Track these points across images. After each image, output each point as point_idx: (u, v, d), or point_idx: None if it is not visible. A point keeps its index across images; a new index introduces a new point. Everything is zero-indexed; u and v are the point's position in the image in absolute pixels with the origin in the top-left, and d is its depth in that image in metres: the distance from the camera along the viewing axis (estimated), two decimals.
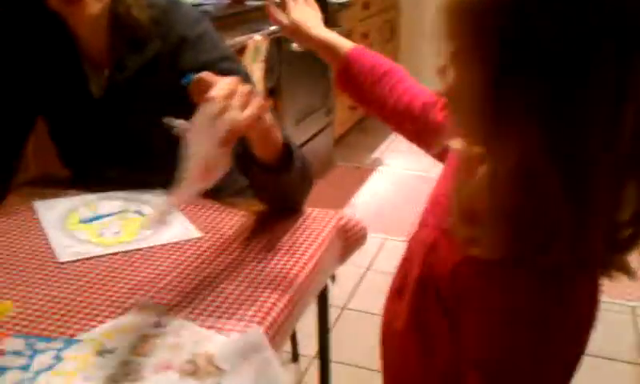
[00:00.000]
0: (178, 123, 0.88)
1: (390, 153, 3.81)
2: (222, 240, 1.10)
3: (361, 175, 3.50)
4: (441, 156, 0.91)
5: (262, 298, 0.93)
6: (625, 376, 2.01)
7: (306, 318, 1.07)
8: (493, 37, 0.58)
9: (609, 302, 2.30)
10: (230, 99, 0.86)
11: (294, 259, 1.04)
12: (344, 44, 1.07)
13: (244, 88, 0.89)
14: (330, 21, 3.15)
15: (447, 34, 0.62)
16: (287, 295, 0.95)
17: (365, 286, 2.45)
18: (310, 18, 1.10)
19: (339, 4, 3.20)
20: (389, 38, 4.49)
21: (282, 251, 1.07)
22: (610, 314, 2.27)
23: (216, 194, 1.23)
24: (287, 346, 1.98)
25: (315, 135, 3.24)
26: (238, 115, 0.86)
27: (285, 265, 1.02)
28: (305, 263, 1.04)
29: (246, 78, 1.28)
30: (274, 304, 0.93)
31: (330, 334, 1.41)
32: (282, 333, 0.93)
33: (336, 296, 2.38)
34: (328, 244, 1.12)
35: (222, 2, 2.38)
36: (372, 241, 2.65)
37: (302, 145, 3.06)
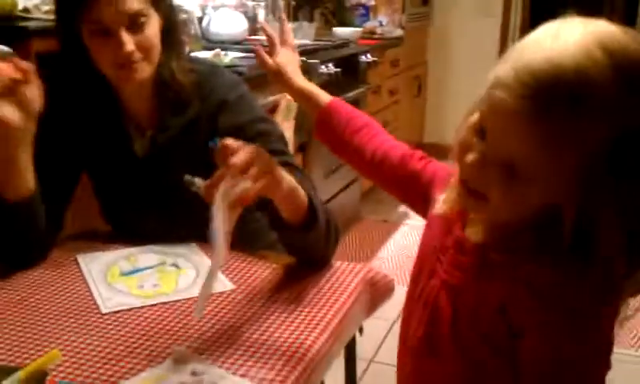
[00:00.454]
0: (197, 181, 0.95)
1: None
2: (254, 292, 1.15)
3: (388, 229, 3.54)
4: (416, 205, 1.04)
5: (292, 348, 0.98)
6: None
7: (334, 370, 1.10)
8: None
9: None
10: (247, 168, 0.91)
11: (323, 312, 1.09)
12: (323, 95, 1.17)
13: (263, 158, 0.95)
14: (359, 78, 3.25)
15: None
16: (316, 346, 0.99)
17: (392, 339, 2.46)
18: (290, 64, 1.22)
19: (368, 63, 3.29)
20: (416, 95, 4.58)
21: (312, 303, 1.11)
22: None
23: (249, 246, 1.29)
24: None
25: (342, 189, 3.30)
26: (249, 186, 0.91)
27: (314, 317, 1.07)
28: (333, 315, 1.08)
29: (281, 138, 1.35)
30: (304, 354, 0.97)
31: None
32: (310, 383, 0.97)
33: (363, 349, 2.39)
34: (356, 296, 1.17)
35: (255, 61, 2.47)
36: (399, 292, 2.68)
37: (330, 199, 3.12)
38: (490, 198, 0.74)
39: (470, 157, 0.75)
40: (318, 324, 1.05)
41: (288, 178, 1.04)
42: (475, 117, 0.76)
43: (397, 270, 3.01)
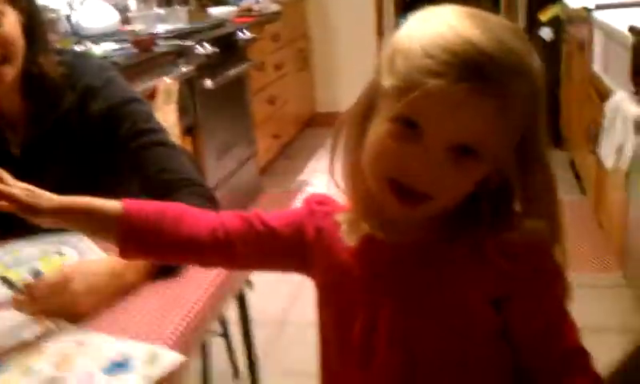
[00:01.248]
0: (17, 283, 1.04)
1: (315, 174, 3.96)
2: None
3: (289, 197, 3.62)
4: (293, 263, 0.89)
5: (169, 305, 1.04)
6: None
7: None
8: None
9: None
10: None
11: (201, 271, 1.14)
12: (106, 204, 0.85)
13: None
14: (239, 56, 3.29)
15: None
16: (193, 303, 1.06)
17: (302, 299, 2.55)
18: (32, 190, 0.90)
19: (246, 40, 3.33)
20: (302, 67, 4.66)
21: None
22: None
23: None
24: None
25: (239, 167, 3.34)
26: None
27: (192, 276, 1.13)
28: (215, 275, 1.14)
29: (151, 117, 1.38)
30: (180, 321, 1.02)
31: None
32: (195, 338, 1.03)
33: (274, 311, 2.48)
34: None
35: (130, 51, 2.48)
36: None
37: (227, 178, 3.16)
38: (436, 190, 0.71)
39: (408, 156, 0.70)
40: (200, 283, 1.11)
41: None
42: (389, 115, 0.71)
43: None
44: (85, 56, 1.40)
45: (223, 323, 1.96)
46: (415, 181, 0.70)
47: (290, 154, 4.33)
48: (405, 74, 0.69)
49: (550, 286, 0.78)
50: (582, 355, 0.80)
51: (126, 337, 0.97)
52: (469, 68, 0.66)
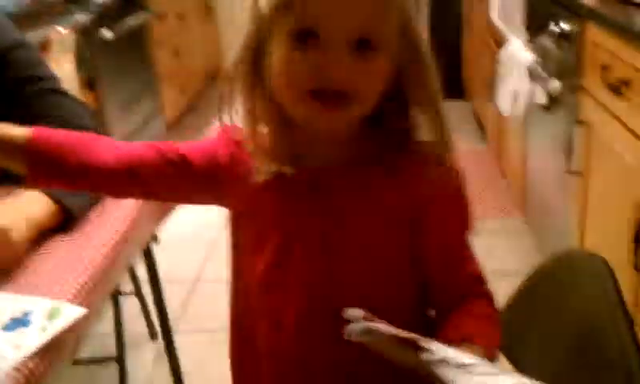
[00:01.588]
0: None
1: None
2: None
3: None
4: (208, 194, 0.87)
5: (71, 264, 1.02)
6: None
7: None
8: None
9: None
10: None
11: (102, 229, 1.12)
12: (15, 129, 0.83)
13: None
14: (138, 4, 3.17)
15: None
16: (97, 259, 1.04)
17: (215, 256, 2.54)
18: None
19: None
20: (206, 17, 4.55)
21: (92, 224, 1.14)
22: None
23: None
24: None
25: (146, 123, 3.25)
26: None
27: (90, 235, 1.11)
28: (115, 231, 1.12)
29: (40, 63, 1.31)
30: (79, 276, 1.00)
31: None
32: (97, 294, 1.02)
33: (188, 269, 2.47)
34: (138, 206, 1.20)
35: None
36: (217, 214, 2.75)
37: (133, 133, 3.07)
38: (351, 87, 0.73)
39: (316, 62, 0.71)
40: (101, 237, 1.09)
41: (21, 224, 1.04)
42: (284, 35, 0.73)
43: None
44: None
45: (135, 282, 1.94)
46: (330, 83, 0.72)
47: (197, 107, 4.25)
48: None
49: (457, 209, 0.83)
50: (483, 283, 0.84)
51: (26, 294, 0.94)
52: None
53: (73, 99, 1.30)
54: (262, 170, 0.80)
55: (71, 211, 1.11)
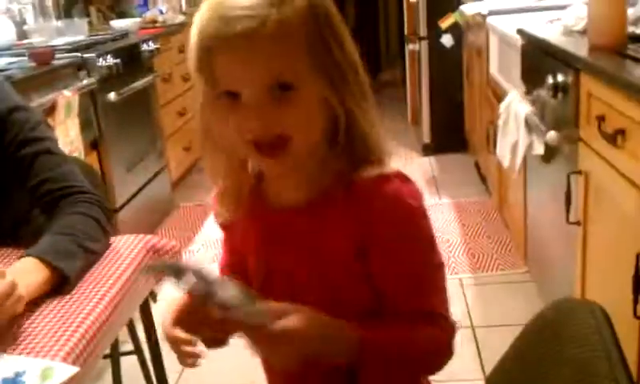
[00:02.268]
0: None
1: None
2: None
3: (204, 211, 3.58)
4: None
5: (70, 319, 1.01)
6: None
7: None
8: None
9: None
10: None
11: (102, 283, 1.12)
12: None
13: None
14: (144, 67, 3.23)
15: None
16: (93, 315, 1.04)
17: None
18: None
19: (151, 51, 3.28)
20: None
21: (92, 277, 1.14)
22: None
23: None
24: None
25: (150, 180, 3.28)
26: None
27: (92, 290, 1.10)
28: (112, 285, 1.12)
29: (38, 125, 1.34)
30: (72, 334, 1.00)
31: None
32: (92, 352, 1.01)
33: None
34: (136, 265, 1.21)
35: (26, 64, 2.39)
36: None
37: (137, 192, 3.10)
38: (285, 128, 0.76)
39: (243, 117, 0.75)
40: (95, 295, 1.08)
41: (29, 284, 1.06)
42: (209, 96, 0.78)
43: (218, 247, 3.07)
44: None
45: (135, 341, 1.92)
46: (261, 133, 0.76)
47: (202, 167, 4.28)
48: (195, 58, 0.76)
49: (407, 237, 0.82)
50: (434, 321, 0.83)
51: (19, 354, 0.94)
52: (227, 18, 0.73)
53: (69, 160, 1.32)
54: (232, 210, 0.88)
55: (67, 276, 1.11)
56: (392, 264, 0.82)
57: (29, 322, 1.02)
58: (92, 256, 1.19)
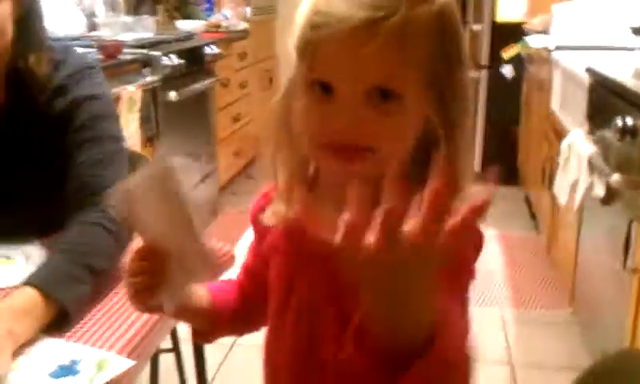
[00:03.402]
0: None
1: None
2: None
3: (247, 218, 3.59)
4: None
5: (119, 321, 1.02)
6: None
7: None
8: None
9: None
10: None
11: None
12: (200, 294, 0.87)
13: None
14: (205, 71, 3.28)
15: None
16: (144, 317, 1.03)
17: None
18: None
19: (213, 55, 3.33)
20: (267, 87, 4.67)
21: None
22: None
23: None
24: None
25: (199, 182, 3.31)
26: None
27: None
28: None
29: (106, 119, 1.33)
30: (129, 328, 1.01)
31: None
32: (146, 347, 1.02)
33: None
34: None
35: (95, 56, 2.45)
36: None
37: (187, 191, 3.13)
38: (370, 140, 0.67)
39: (331, 115, 0.67)
40: None
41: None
42: (301, 86, 0.69)
43: None
44: (70, 51, 1.35)
45: (175, 338, 1.93)
46: (347, 137, 0.67)
47: (250, 173, 4.31)
48: (300, 36, 0.68)
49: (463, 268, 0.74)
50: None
51: (77, 341, 0.95)
52: (360, 4, 0.64)
53: (116, 164, 1.27)
54: (279, 213, 0.78)
55: (65, 306, 1.00)
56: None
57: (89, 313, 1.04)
58: (99, 275, 1.09)
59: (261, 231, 0.85)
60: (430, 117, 0.69)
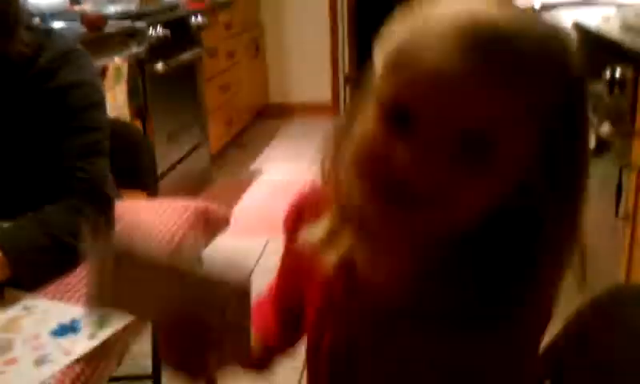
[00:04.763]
0: None
1: (269, 163, 3.95)
2: None
3: (241, 187, 3.60)
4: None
5: None
6: None
7: None
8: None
9: None
10: None
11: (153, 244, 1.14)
12: None
13: None
14: (192, 41, 3.26)
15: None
16: None
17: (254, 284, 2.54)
18: None
19: (199, 25, 3.30)
20: (254, 55, 4.65)
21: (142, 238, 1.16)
22: None
23: None
24: None
25: (190, 153, 3.31)
26: None
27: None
28: (162, 247, 1.14)
29: (95, 110, 1.29)
30: None
31: None
32: None
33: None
34: (188, 225, 1.23)
35: (79, 30, 2.42)
36: (257, 242, 2.78)
37: (177, 163, 3.13)
38: (437, 193, 0.54)
39: (399, 152, 0.54)
40: None
41: None
42: (376, 103, 0.57)
43: (252, 222, 3.09)
44: (53, 35, 1.32)
45: None
46: (410, 182, 0.54)
47: (242, 142, 4.31)
48: (396, 51, 0.56)
49: None
50: None
51: (77, 302, 0.96)
52: (474, 37, 0.52)
53: (102, 155, 1.26)
54: (330, 247, 0.66)
55: (16, 264, 1.02)
56: None
57: (83, 274, 1.04)
58: (65, 251, 1.08)
59: (293, 241, 0.73)
60: (527, 180, 0.56)
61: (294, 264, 0.76)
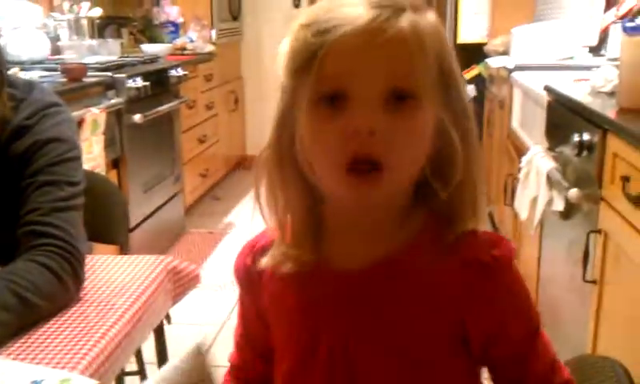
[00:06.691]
0: None
1: (241, 216, 3.95)
2: None
3: (214, 239, 3.59)
4: None
5: (89, 334, 1.01)
6: None
7: None
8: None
9: None
10: None
11: (123, 300, 1.13)
12: None
13: None
14: (171, 92, 3.28)
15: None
16: (112, 331, 1.04)
17: (225, 335, 2.52)
18: None
19: (179, 77, 3.33)
20: (233, 108, 4.69)
21: (112, 293, 1.15)
22: None
23: None
24: None
25: (164, 204, 3.30)
26: None
27: (113, 306, 1.11)
28: (132, 303, 1.13)
29: (68, 163, 1.27)
30: (100, 339, 1.01)
31: None
32: (109, 368, 1.01)
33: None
34: (157, 285, 1.22)
35: (58, 79, 2.44)
36: (228, 295, 2.76)
37: (151, 214, 3.12)
38: (389, 153, 0.63)
39: (346, 129, 0.63)
40: (115, 311, 1.09)
41: None
42: (307, 104, 0.65)
43: (223, 275, 3.07)
44: (33, 89, 1.31)
45: (140, 360, 1.91)
46: (364, 147, 0.63)
47: (217, 194, 4.31)
48: (300, 51, 0.65)
49: (516, 303, 0.76)
50: (556, 373, 0.79)
51: (38, 363, 0.94)
52: (364, 4, 0.63)
53: (72, 207, 1.23)
54: (285, 261, 0.73)
55: None
56: (506, 337, 0.74)
57: (49, 332, 1.03)
58: (30, 310, 1.06)
59: (252, 283, 0.79)
60: (443, 119, 0.67)
61: (251, 307, 0.81)
